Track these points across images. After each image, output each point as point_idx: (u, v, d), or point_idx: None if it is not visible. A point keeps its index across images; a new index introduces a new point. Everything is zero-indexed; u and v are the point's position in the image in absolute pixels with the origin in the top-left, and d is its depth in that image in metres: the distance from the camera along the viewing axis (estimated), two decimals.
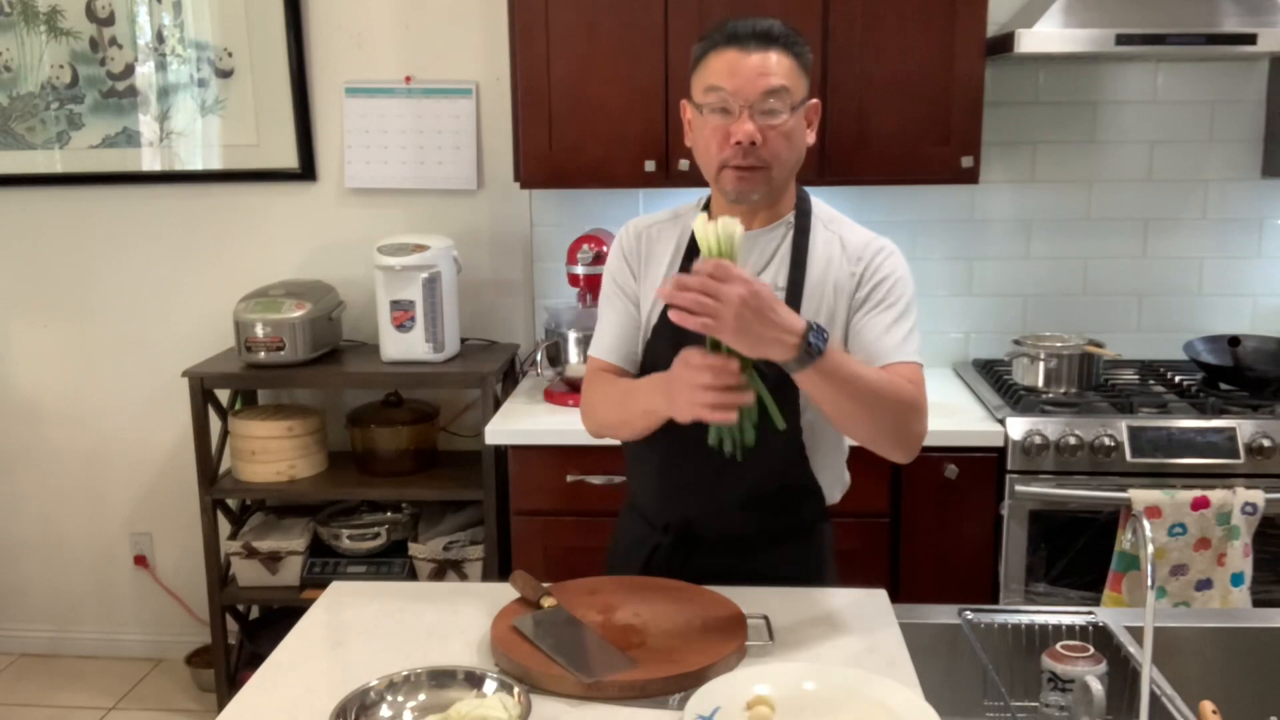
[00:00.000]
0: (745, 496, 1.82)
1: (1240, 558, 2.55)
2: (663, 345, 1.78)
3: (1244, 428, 2.63)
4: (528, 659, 1.53)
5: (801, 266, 1.78)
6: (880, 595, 1.78)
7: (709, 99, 1.71)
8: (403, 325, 3.02)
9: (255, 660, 2.95)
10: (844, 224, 1.84)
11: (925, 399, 1.74)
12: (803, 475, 1.84)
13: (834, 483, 1.90)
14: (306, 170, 3.33)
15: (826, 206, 1.87)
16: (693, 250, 1.80)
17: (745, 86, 1.68)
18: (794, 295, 1.77)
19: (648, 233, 1.89)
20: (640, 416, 1.73)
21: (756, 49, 1.69)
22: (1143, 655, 1.37)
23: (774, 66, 1.68)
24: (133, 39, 3.30)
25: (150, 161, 3.37)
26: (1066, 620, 1.75)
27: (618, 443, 1.93)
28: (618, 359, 1.86)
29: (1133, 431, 2.64)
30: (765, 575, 1.80)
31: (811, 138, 1.79)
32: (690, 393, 1.53)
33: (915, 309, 1.80)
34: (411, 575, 3.09)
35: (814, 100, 1.77)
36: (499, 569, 2.99)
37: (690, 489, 1.84)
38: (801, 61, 1.73)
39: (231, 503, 3.28)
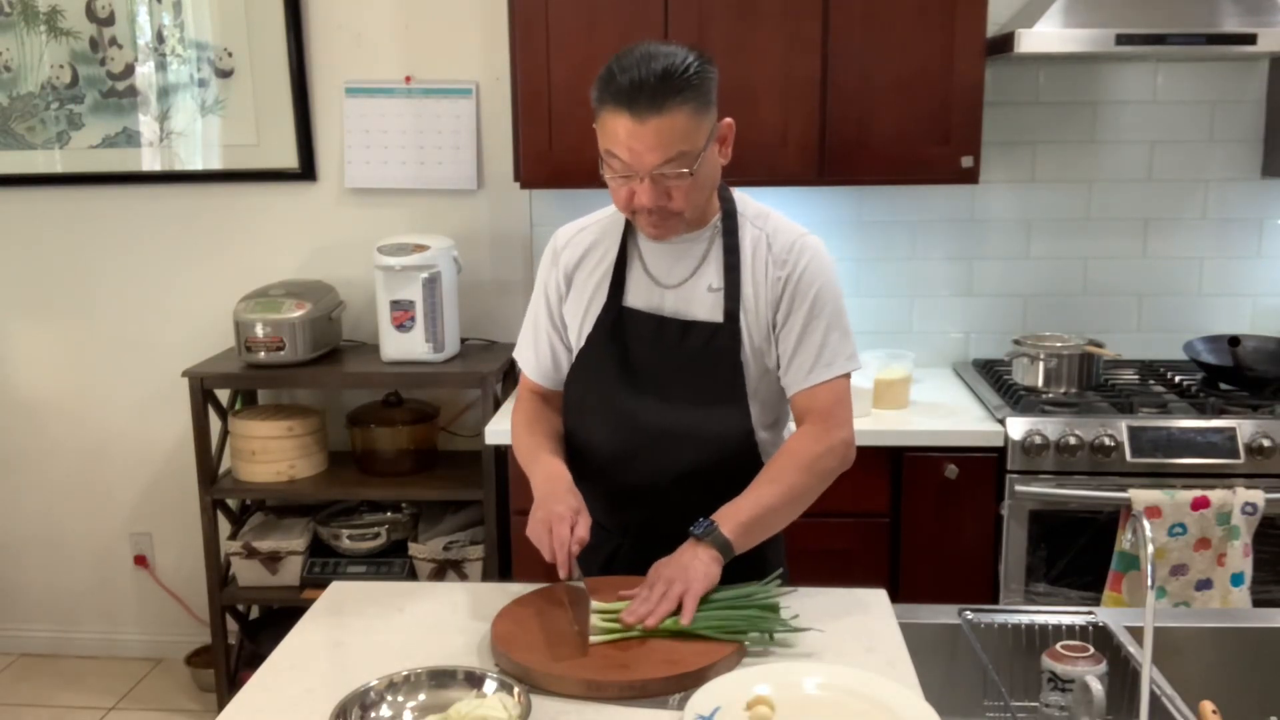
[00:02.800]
0: (694, 486, 1.80)
1: (1240, 558, 2.55)
2: (588, 370, 1.86)
3: (1244, 428, 2.63)
4: (528, 659, 1.53)
5: (736, 269, 1.79)
6: (880, 595, 1.78)
7: (609, 160, 1.67)
8: (403, 325, 3.02)
9: (255, 660, 2.95)
10: (770, 220, 1.83)
11: (846, 412, 1.79)
12: (750, 458, 1.83)
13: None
14: (306, 170, 3.32)
15: (753, 202, 1.85)
16: (623, 264, 1.83)
17: (643, 159, 1.63)
18: (732, 296, 1.78)
19: (579, 240, 1.89)
20: (530, 477, 1.85)
21: (650, 113, 1.59)
22: (1143, 655, 1.37)
23: (669, 134, 1.61)
24: (133, 39, 3.30)
25: (150, 161, 3.37)
26: (1066, 620, 1.75)
27: None
28: (547, 382, 1.95)
29: (1133, 431, 2.63)
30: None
31: (727, 155, 1.76)
32: (537, 528, 1.70)
33: (842, 309, 1.81)
34: (411, 575, 3.08)
35: (725, 121, 1.72)
36: (499, 569, 2.99)
37: (639, 492, 1.84)
38: (700, 100, 1.63)
39: (231, 503, 3.28)
